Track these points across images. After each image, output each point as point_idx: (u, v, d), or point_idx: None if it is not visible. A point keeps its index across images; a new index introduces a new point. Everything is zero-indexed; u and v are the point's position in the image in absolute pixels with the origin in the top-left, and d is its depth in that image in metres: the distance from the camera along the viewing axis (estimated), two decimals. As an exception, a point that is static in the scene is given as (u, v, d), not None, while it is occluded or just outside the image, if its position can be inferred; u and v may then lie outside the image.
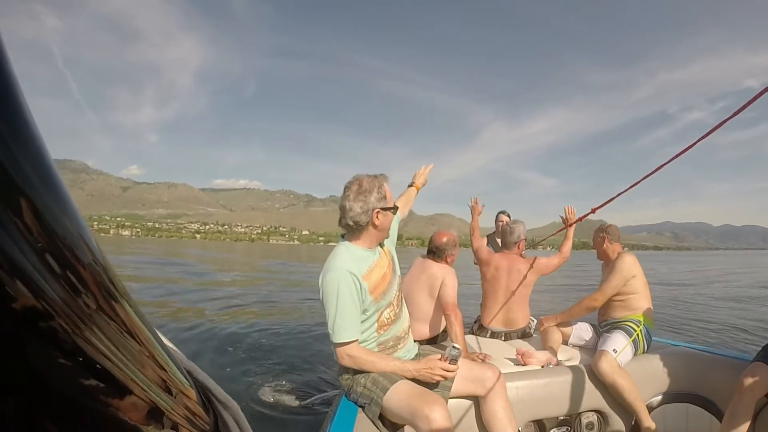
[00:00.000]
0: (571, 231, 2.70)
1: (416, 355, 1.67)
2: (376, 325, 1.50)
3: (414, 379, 1.46)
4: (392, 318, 1.54)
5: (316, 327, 5.58)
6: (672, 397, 2.01)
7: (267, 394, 3.19)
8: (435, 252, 2.31)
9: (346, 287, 1.38)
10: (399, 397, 1.39)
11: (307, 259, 30.42)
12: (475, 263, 2.91)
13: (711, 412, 1.93)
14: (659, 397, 2.02)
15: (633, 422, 1.92)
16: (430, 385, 1.50)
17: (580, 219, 2.50)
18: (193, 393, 0.34)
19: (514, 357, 2.05)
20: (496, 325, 2.53)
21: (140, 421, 0.25)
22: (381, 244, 1.59)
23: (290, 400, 3.09)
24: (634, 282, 2.17)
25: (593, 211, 2.30)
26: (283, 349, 4.58)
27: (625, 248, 2.35)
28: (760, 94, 1.08)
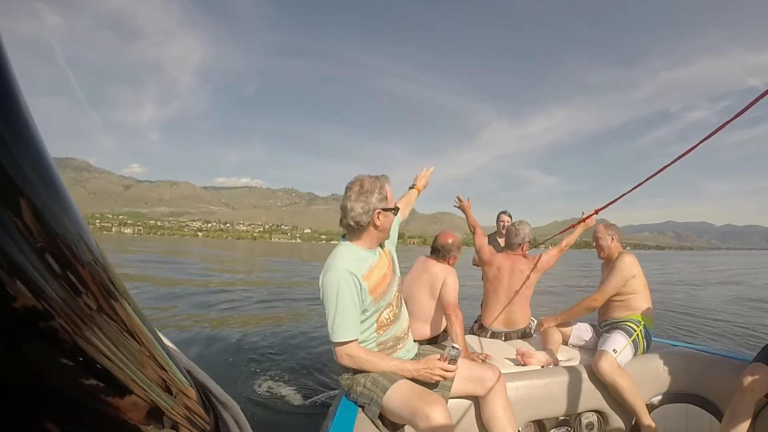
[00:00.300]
0: (578, 231, 2.66)
1: (416, 355, 1.67)
2: (375, 325, 1.50)
3: (414, 379, 1.46)
4: (391, 318, 1.55)
5: (316, 326, 5.58)
6: (672, 397, 2.01)
7: (267, 394, 3.19)
8: (439, 252, 2.31)
9: (346, 287, 1.38)
10: (399, 396, 1.39)
11: (308, 258, 30.41)
12: (474, 264, 2.89)
13: (711, 413, 1.93)
14: (659, 397, 2.02)
15: (633, 422, 1.92)
16: (430, 385, 1.50)
17: (584, 219, 2.50)
18: (193, 393, 0.34)
19: (514, 357, 2.05)
20: (496, 325, 2.53)
21: (140, 421, 0.25)
22: (381, 245, 1.60)
23: (290, 400, 3.09)
24: (634, 282, 2.17)
25: (596, 212, 2.30)
26: (283, 348, 4.58)
27: (627, 247, 2.35)
28: (763, 94, 1.08)
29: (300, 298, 8.53)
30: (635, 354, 2.03)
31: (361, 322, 1.46)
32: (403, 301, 1.68)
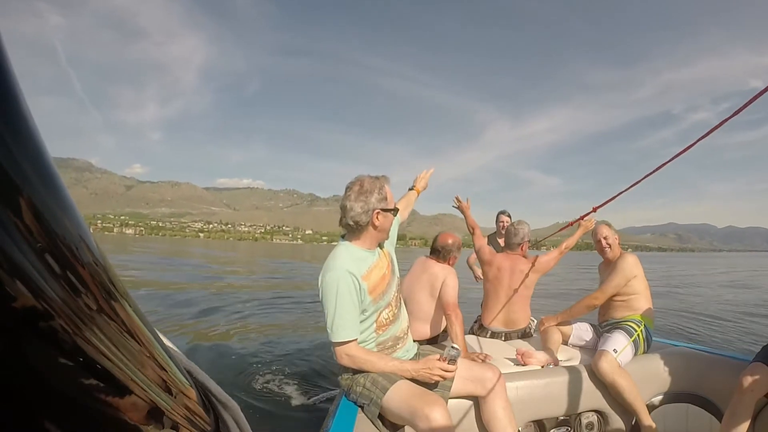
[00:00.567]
0: (579, 233, 2.65)
1: (415, 355, 1.67)
2: (374, 325, 1.51)
3: (413, 379, 1.46)
4: (391, 318, 1.55)
5: (316, 327, 5.58)
6: (672, 397, 2.01)
7: (267, 394, 3.19)
8: (439, 252, 2.31)
9: (346, 287, 1.39)
10: (399, 397, 1.39)
11: (309, 259, 30.41)
12: (469, 265, 2.88)
13: (711, 413, 1.93)
14: (659, 397, 2.02)
15: (633, 422, 1.92)
16: (430, 385, 1.50)
17: (582, 218, 2.49)
18: (193, 393, 0.34)
19: (514, 357, 2.05)
20: (496, 325, 2.53)
21: (140, 421, 0.25)
22: (380, 246, 1.60)
23: (290, 400, 3.09)
24: (635, 282, 2.17)
25: (594, 209, 2.30)
26: (283, 348, 4.58)
27: (629, 249, 2.35)
28: (761, 93, 1.09)
29: (300, 299, 8.53)
30: (636, 354, 2.03)
31: (361, 322, 1.46)
32: (402, 302, 1.68)
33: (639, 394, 1.86)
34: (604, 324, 2.24)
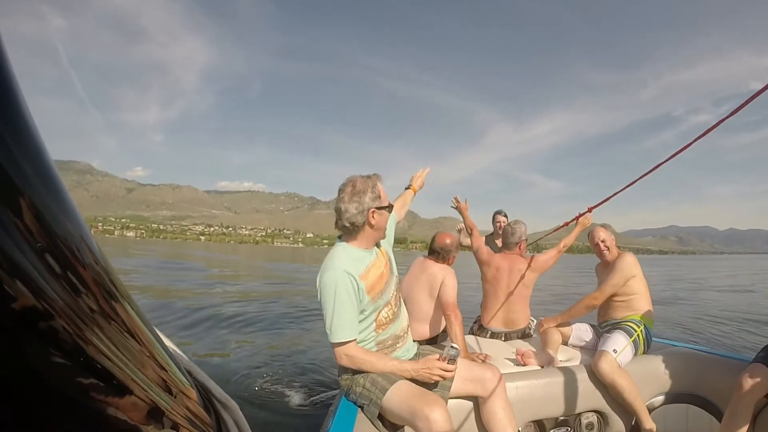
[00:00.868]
0: (576, 231, 2.65)
1: (415, 354, 1.67)
2: (374, 324, 1.51)
3: (413, 380, 1.46)
4: (390, 317, 1.55)
5: (316, 328, 5.58)
6: (672, 397, 2.01)
7: (267, 395, 3.19)
8: (439, 253, 2.30)
9: (344, 287, 1.39)
10: (398, 397, 1.39)
11: (310, 262, 30.43)
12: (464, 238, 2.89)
13: (711, 413, 1.92)
14: (659, 398, 2.02)
15: (633, 422, 1.92)
16: (430, 386, 1.50)
17: (578, 217, 2.49)
18: (193, 393, 0.34)
19: (514, 357, 2.05)
20: (496, 325, 2.53)
21: (141, 421, 0.25)
22: (378, 245, 1.60)
23: (290, 401, 3.08)
24: (634, 282, 2.17)
25: (590, 209, 2.29)
26: (283, 349, 4.58)
27: (629, 252, 2.35)
28: (759, 92, 1.09)
29: (300, 301, 8.53)
30: (635, 354, 2.03)
31: (360, 321, 1.46)
32: (401, 301, 1.68)
33: (639, 395, 1.86)
34: (604, 324, 2.24)
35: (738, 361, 1.92)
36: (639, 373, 1.94)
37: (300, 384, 3.42)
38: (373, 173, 1.52)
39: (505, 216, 3.62)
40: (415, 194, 2.11)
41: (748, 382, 1.57)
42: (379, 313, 1.51)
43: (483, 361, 1.93)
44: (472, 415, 1.65)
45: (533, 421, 1.85)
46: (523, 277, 2.48)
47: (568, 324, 2.33)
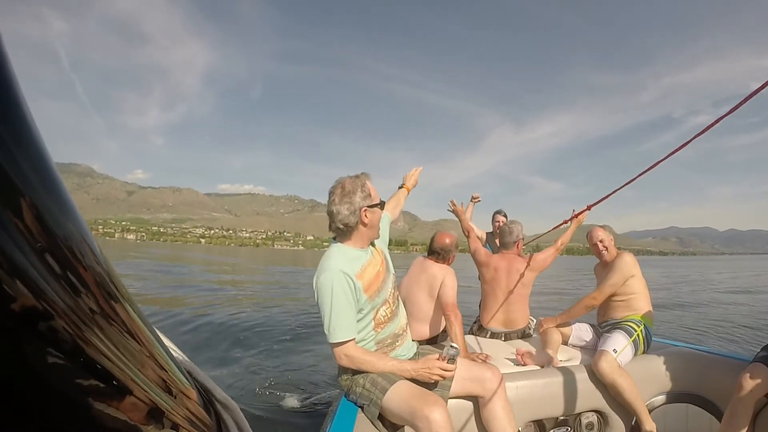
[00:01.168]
0: (572, 228, 2.65)
1: (415, 354, 1.67)
2: (372, 323, 1.51)
3: (413, 380, 1.46)
4: (389, 315, 1.55)
5: (316, 329, 5.58)
6: (672, 397, 2.01)
7: (267, 395, 3.19)
8: (438, 253, 2.30)
9: (340, 287, 1.39)
10: (398, 397, 1.39)
11: (311, 264, 30.44)
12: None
13: (711, 413, 1.92)
14: (659, 398, 2.02)
15: (633, 422, 1.92)
16: (430, 386, 1.50)
17: (576, 216, 2.48)
18: (193, 393, 0.35)
19: (514, 357, 2.05)
20: (495, 325, 2.53)
21: (141, 422, 0.25)
22: (372, 244, 1.60)
23: (290, 401, 3.08)
24: (633, 282, 2.17)
25: (588, 208, 2.29)
26: (282, 350, 4.58)
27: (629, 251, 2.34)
28: (757, 91, 1.09)
29: (299, 302, 8.53)
30: (635, 354, 2.03)
31: (358, 321, 1.46)
32: (399, 299, 1.68)
33: (639, 394, 1.86)
34: (604, 324, 2.24)
35: (738, 361, 1.92)
36: (639, 373, 1.94)
37: (300, 385, 3.42)
38: (362, 172, 1.52)
39: (505, 216, 3.63)
40: (408, 193, 2.10)
41: (748, 382, 1.57)
42: (377, 311, 1.51)
43: (483, 361, 1.93)
44: (473, 415, 1.65)
45: (533, 421, 1.85)
46: (521, 276, 2.47)
47: (567, 324, 2.33)
